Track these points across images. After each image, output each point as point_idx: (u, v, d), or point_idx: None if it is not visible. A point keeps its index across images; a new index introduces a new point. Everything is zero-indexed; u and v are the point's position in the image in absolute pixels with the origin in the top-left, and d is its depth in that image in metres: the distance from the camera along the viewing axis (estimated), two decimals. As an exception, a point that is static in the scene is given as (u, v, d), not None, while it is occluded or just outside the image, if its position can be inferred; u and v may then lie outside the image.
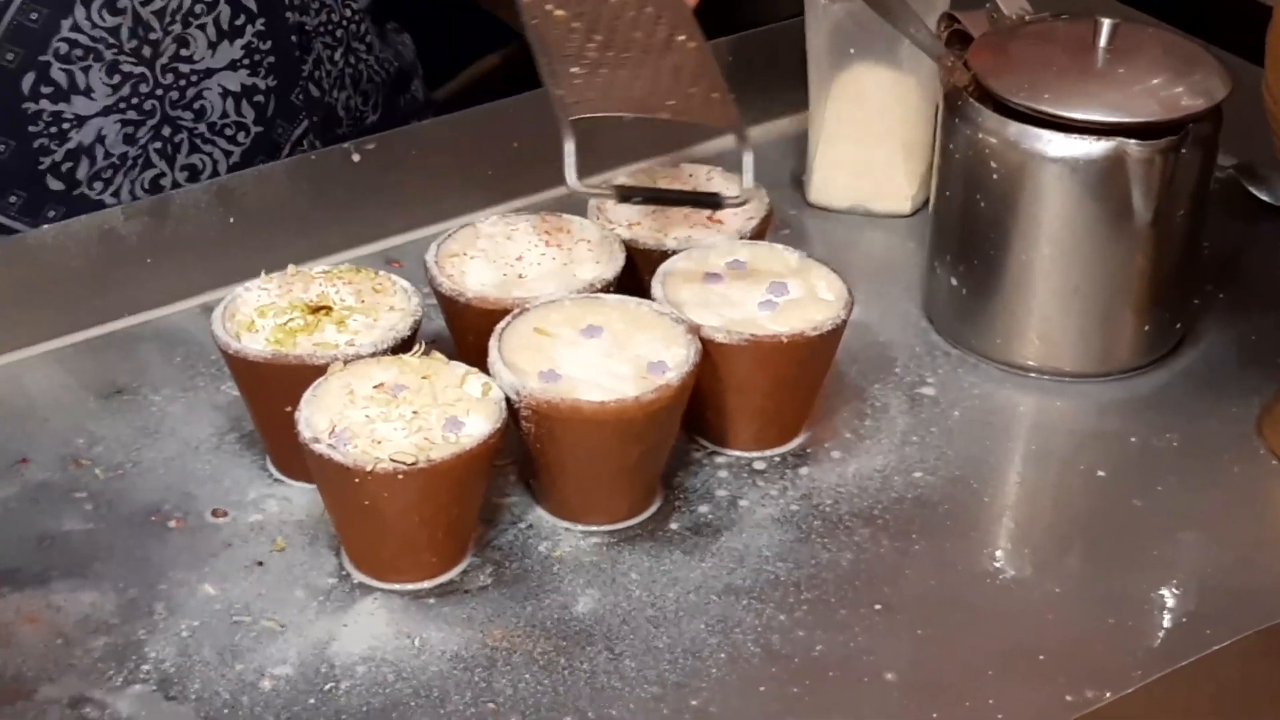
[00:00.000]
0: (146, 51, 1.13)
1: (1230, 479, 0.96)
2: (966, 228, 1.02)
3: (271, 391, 0.90)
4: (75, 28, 1.11)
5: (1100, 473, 0.97)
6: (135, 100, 1.14)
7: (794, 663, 0.84)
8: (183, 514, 0.92)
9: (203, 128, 1.17)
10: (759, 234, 1.02)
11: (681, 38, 0.92)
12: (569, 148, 0.86)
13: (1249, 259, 1.14)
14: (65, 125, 1.12)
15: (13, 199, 1.12)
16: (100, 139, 1.13)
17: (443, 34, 1.53)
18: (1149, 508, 0.94)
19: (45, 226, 1.07)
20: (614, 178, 1.05)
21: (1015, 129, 0.98)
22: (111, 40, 1.12)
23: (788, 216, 1.17)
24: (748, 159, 0.89)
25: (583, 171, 1.06)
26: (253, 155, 1.18)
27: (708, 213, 1.01)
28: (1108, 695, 0.82)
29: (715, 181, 1.04)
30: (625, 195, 0.91)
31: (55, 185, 1.13)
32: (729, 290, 0.95)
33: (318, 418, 0.85)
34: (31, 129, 1.12)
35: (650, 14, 0.93)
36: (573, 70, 0.89)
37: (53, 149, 1.13)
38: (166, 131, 1.16)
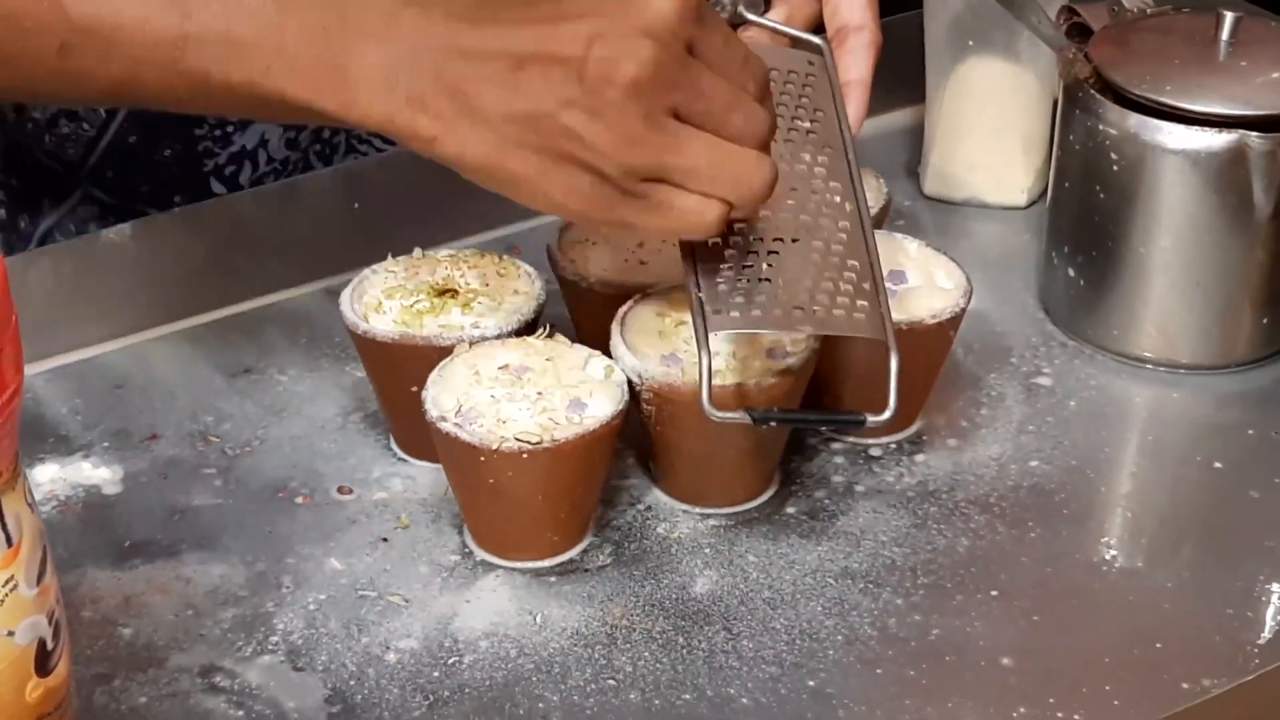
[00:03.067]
0: None
1: (1348, 473, 0.96)
2: (1085, 219, 1.03)
3: (398, 372, 0.92)
4: None
5: (1217, 464, 0.97)
6: None
7: (910, 646, 0.85)
8: (309, 490, 0.94)
9: (361, 133, 1.18)
10: (877, 223, 1.02)
11: (838, 199, 0.88)
12: (705, 362, 0.83)
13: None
14: (230, 129, 1.13)
15: (177, 200, 1.14)
16: (264, 143, 1.14)
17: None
18: (1266, 500, 0.94)
19: (175, 210, 1.09)
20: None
21: (1136, 121, 0.98)
22: None
23: (903, 208, 1.17)
24: (894, 365, 0.83)
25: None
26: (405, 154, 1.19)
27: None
28: (1225, 684, 0.83)
29: (866, 178, 1.04)
30: (761, 419, 0.85)
31: (218, 189, 1.14)
32: (848, 278, 0.96)
33: (444, 397, 0.87)
34: (197, 132, 1.13)
35: (806, 164, 0.89)
36: (717, 263, 0.84)
37: (217, 152, 1.14)
38: (326, 134, 1.17)
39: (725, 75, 0.79)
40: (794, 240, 0.86)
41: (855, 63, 0.94)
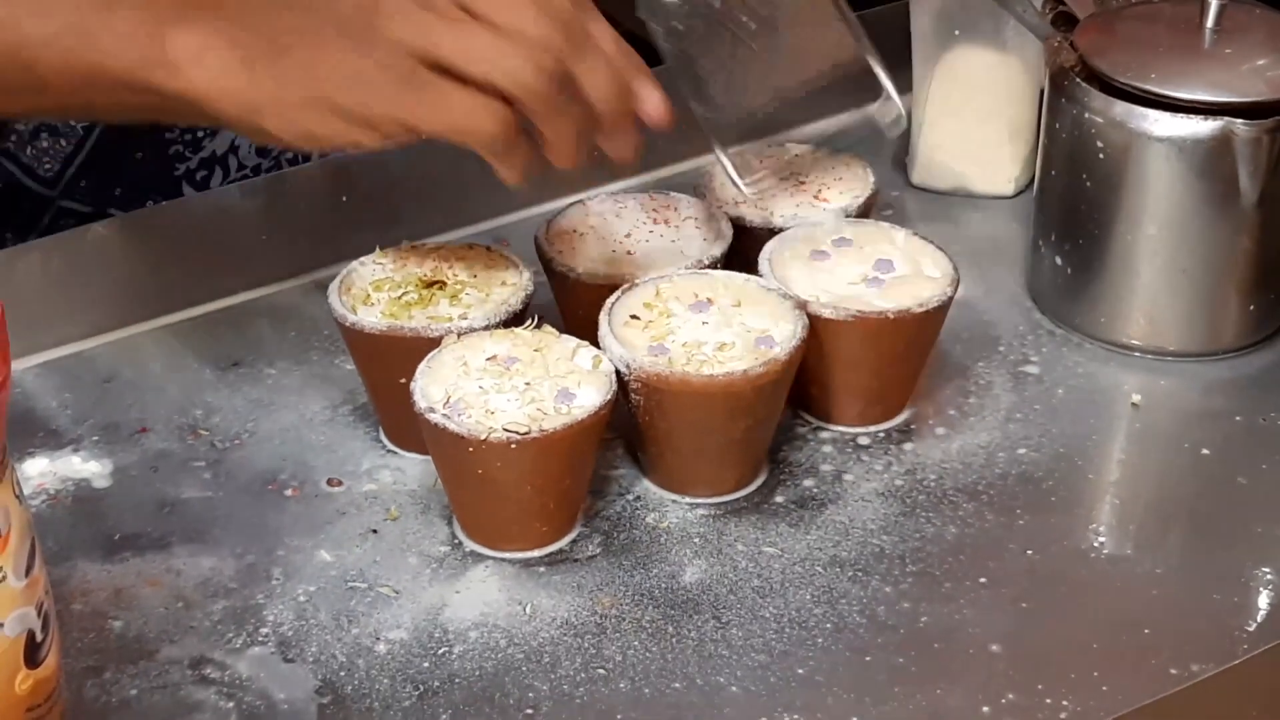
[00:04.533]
0: None
1: (1335, 458, 0.97)
2: (1072, 207, 1.03)
3: (387, 364, 0.92)
4: None
5: (1204, 451, 0.97)
6: None
7: (899, 633, 0.85)
8: (299, 483, 0.94)
9: None
10: (864, 212, 1.02)
11: None
12: (728, 165, 0.87)
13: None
14: (200, 134, 1.14)
15: (150, 203, 1.14)
16: (234, 149, 1.15)
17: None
18: (1254, 486, 0.94)
19: (164, 203, 1.09)
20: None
21: (1121, 109, 0.99)
22: None
23: (890, 198, 1.17)
24: (874, 60, 0.87)
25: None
26: None
27: (823, 185, 1.02)
28: (1213, 669, 0.83)
29: (824, 161, 1.05)
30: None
31: (190, 194, 1.15)
32: (835, 267, 0.96)
33: (433, 389, 0.87)
34: (168, 135, 1.13)
35: None
36: (706, 72, 0.87)
37: (188, 157, 1.14)
38: None
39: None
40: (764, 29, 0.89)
41: None
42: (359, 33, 0.82)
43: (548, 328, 0.91)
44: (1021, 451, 0.96)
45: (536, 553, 0.89)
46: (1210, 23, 1.01)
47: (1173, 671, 0.83)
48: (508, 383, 0.87)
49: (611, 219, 1.01)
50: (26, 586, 0.70)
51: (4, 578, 0.69)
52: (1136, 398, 1.01)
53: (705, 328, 0.91)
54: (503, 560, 0.89)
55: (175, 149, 1.13)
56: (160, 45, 0.84)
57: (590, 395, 0.87)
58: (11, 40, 0.86)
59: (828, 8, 0.90)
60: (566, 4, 0.83)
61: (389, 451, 0.96)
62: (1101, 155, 1.00)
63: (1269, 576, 0.89)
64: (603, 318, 0.91)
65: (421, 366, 0.89)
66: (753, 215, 1.01)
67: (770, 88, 0.87)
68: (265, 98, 0.83)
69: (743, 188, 0.87)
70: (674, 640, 0.84)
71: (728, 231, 0.99)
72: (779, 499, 0.93)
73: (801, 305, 0.92)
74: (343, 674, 0.83)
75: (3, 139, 1.11)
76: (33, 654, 0.71)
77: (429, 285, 0.94)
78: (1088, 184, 1.01)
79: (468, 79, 0.81)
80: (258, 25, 0.84)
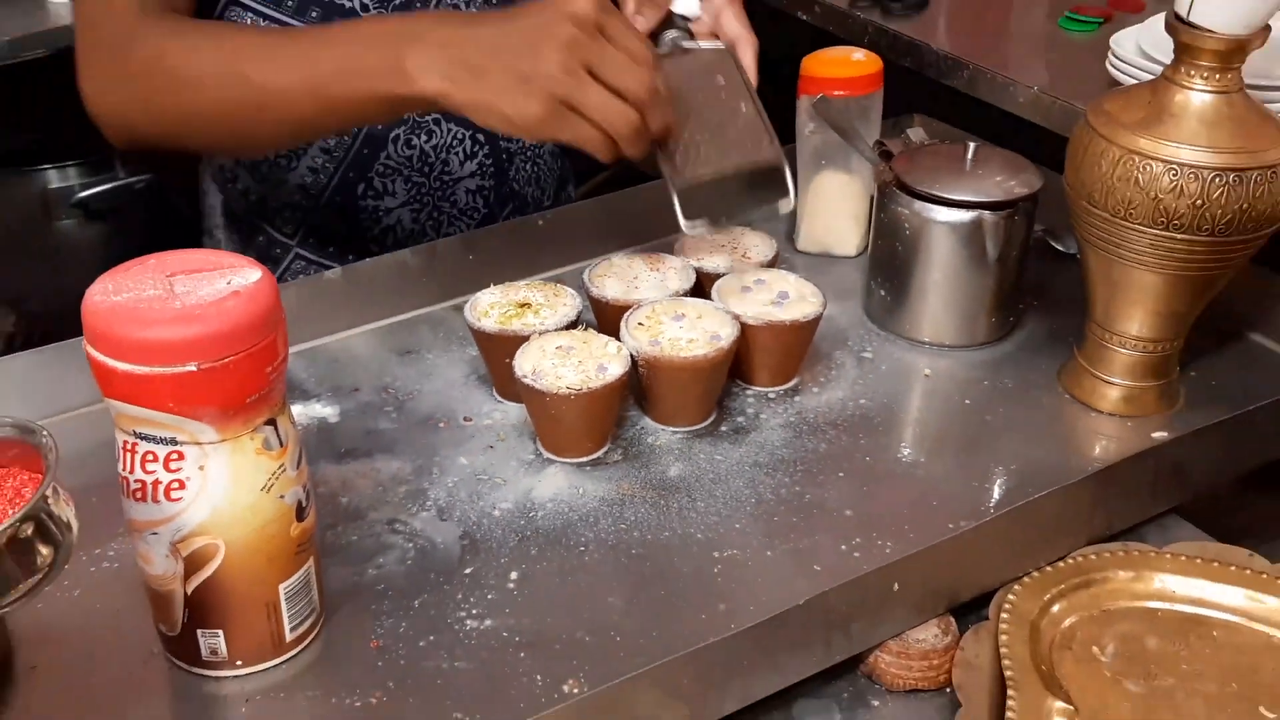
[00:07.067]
0: (428, 169, 1.15)
1: (1040, 405, 0.98)
2: (890, 262, 1.04)
3: (498, 350, 0.93)
4: (388, 157, 1.13)
5: (967, 401, 0.98)
6: (419, 196, 1.16)
7: (793, 505, 0.87)
8: (447, 419, 0.95)
9: (455, 211, 1.19)
10: (771, 264, 1.04)
11: (744, 108, 0.92)
12: (677, 206, 0.88)
13: (1051, 284, 1.14)
14: (380, 215, 1.15)
15: (350, 257, 1.15)
16: (398, 222, 1.16)
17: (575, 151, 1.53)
18: (994, 421, 0.96)
19: (366, 260, 1.10)
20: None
21: (919, 205, 1.00)
22: (409, 165, 1.14)
23: (785, 256, 1.18)
24: (787, 172, 0.89)
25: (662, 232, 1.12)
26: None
27: (747, 250, 1.04)
28: (972, 524, 0.85)
29: (748, 236, 1.07)
30: (719, 224, 0.91)
31: (374, 249, 1.15)
32: (756, 295, 0.97)
33: (525, 364, 0.89)
34: (361, 219, 1.14)
35: (723, 96, 0.93)
36: (676, 154, 0.89)
37: (373, 231, 1.15)
38: (435, 215, 1.18)
39: (623, 49, 0.82)
40: (718, 128, 0.91)
41: (744, 57, 0.97)
42: (537, 44, 0.80)
43: (591, 330, 0.93)
44: (862, 401, 0.97)
45: (585, 459, 0.90)
46: (970, 156, 1.02)
47: (950, 526, 0.85)
48: (568, 361, 0.89)
49: (625, 267, 1.02)
50: (297, 474, 0.72)
51: (284, 470, 0.71)
52: (928, 371, 1.02)
53: (681, 330, 0.92)
54: (565, 463, 0.90)
55: (364, 228, 1.13)
56: (399, 64, 0.82)
57: (616, 369, 0.88)
58: (257, 95, 0.85)
59: (759, 128, 0.91)
60: (644, 51, 0.83)
61: (499, 401, 0.97)
62: (907, 231, 1.01)
63: (1002, 471, 0.90)
64: (622, 325, 0.93)
65: (519, 352, 0.90)
66: (708, 265, 1.02)
67: (714, 166, 0.89)
68: (489, 90, 0.81)
69: (683, 224, 0.88)
70: (664, 508, 0.86)
71: (692, 275, 1.00)
72: (724, 428, 0.94)
73: (737, 318, 0.94)
74: (475, 528, 0.84)
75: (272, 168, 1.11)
76: (300, 514, 0.73)
77: (521, 306, 0.95)
78: (899, 248, 1.03)
79: (607, 84, 0.81)
80: (463, 41, 0.83)
